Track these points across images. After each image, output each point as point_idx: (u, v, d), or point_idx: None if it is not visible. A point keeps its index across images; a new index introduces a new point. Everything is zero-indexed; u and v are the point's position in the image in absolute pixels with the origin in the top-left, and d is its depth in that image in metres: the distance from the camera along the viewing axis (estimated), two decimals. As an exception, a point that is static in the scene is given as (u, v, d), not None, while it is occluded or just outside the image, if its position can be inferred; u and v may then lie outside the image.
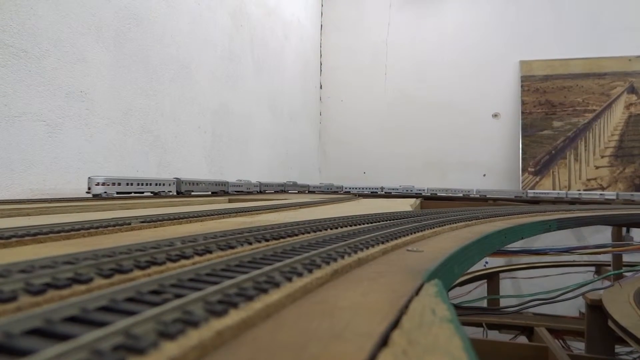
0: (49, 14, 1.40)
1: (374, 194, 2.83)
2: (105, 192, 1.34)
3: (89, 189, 1.32)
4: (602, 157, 3.54)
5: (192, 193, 1.73)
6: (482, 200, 2.74)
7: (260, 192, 2.30)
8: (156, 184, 1.55)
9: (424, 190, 2.85)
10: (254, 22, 2.81)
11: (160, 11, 1.92)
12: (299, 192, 2.77)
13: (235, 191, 2.02)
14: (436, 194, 2.83)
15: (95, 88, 1.59)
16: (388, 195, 2.80)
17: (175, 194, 1.64)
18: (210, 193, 1.86)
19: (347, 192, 2.83)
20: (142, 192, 1.51)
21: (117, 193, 1.38)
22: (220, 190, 1.92)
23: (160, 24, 1.92)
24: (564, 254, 2.34)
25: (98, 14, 1.59)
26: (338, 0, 4.17)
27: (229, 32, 2.52)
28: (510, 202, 2.60)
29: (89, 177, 1.32)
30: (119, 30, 1.69)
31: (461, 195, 2.82)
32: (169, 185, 1.61)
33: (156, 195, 1.56)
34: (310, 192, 2.84)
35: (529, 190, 2.96)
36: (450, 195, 2.81)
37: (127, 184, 1.42)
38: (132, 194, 1.46)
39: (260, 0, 2.89)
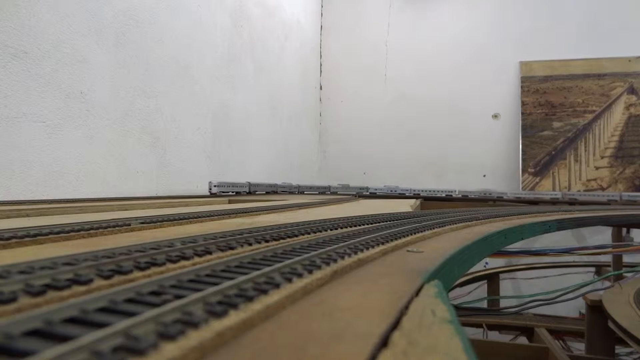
0: (49, 15, 1.40)
1: (448, 198, 2.70)
2: (217, 192, 2.00)
3: (210, 189, 1.99)
4: (602, 157, 3.54)
5: (256, 192, 2.31)
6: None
7: (300, 193, 2.62)
8: (239, 186, 2.17)
9: (490, 193, 2.78)
10: (254, 23, 2.81)
11: (160, 12, 1.92)
12: (357, 195, 2.64)
13: (282, 191, 2.53)
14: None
15: (95, 89, 1.59)
16: (455, 198, 2.69)
17: (247, 192, 2.22)
18: (265, 192, 2.38)
19: (417, 195, 2.69)
20: (235, 192, 2.12)
21: (221, 192, 2.02)
22: (272, 190, 2.44)
23: (160, 24, 1.92)
24: (564, 255, 2.34)
25: (98, 15, 1.59)
26: (338, 1, 4.17)
27: (229, 33, 2.52)
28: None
29: (210, 182, 2.02)
30: (119, 31, 1.69)
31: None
32: (246, 187, 2.22)
33: (237, 194, 2.13)
34: (372, 194, 2.70)
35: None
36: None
37: (226, 186, 2.07)
38: (229, 193, 2.07)
39: (260, 1, 2.89)
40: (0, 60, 1.25)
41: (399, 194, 2.75)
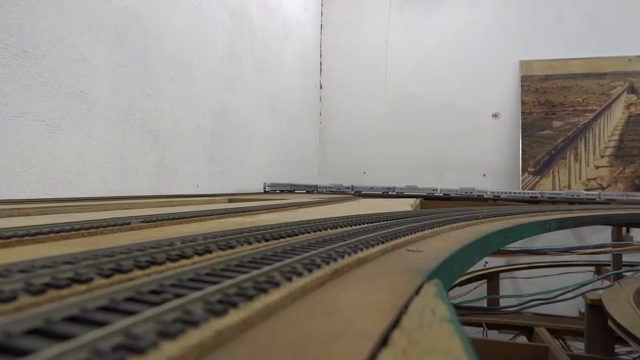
0: (49, 14, 1.39)
1: (533, 199, 2.58)
2: (269, 190, 2.64)
3: (264, 189, 2.66)
4: (602, 157, 3.54)
5: (295, 191, 2.70)
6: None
7: (357, 194, 2.67)
8: (283, 186, 2.69)
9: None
10: (254, 22, 2.81)
11: (160, 11, 1.92)
12: (427, 197, 2.53)
13: (327, 191, 2.77)
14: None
15: (95, 88, 1.59)
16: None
17: (288, 191, 2.67)
18: (305, 192, 2.71)
19: (497, 198, 2.56)
20: (280, 190, 2.67)
21: (271, 190, 2.65)
22: (312, 190, 2.76)
23: (160, 23, 1.92)
24: (563, 254, 2.34)
25: (98, 14, 1.59)
26: (338, 0, 4.17)
27: (229, 32, 2.52)
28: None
29: (264, 182, 2.69)
30: (119, 30, 1.69)
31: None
32: (288, 187, 2.70)
33: (282, 192, 2.64)
34: (445, 195, 2.59)
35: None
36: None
37: (275, 186, 2.66)
38: (276, 191, 2.65)
39: (260, 0, 2.89)
40: (0, 59, 1.25)
41: (478, 196, 2.62)
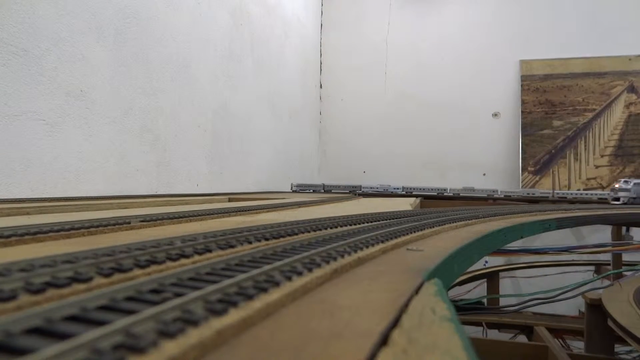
0: (49, 13, 1.39)
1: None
2: (297, 190, 2.67)
3: (292, 188, 2.71)
4: (602, 156, 3.54)
5: (333, 191, 2.72)
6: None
7: (408, 194, 2.64)
8: (314, 186, 2.73)
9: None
10: (254, 21, 2.81)
11: (160, 10, 1.92)
12: (487, 198, 2.50)
13: (375, 192, 2.71)
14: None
15: (95, 87, 1.59)
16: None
17: (322, 191, 2.69)
18: (348, 192, 2.68)
19: (563, 198, 2.55)
20: (311, 190, 2.71)
21: (300, 190, 2.68)
22: (355, 190, 2.73)
23: (160, 23, 1.92)
24: (563, 253, 2.34)
25: (98, 13, 1.59)
26: (338, -1, 4.17)
27: (229, 31, 2.52)
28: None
29: (291, 183, 2.77)
30: (119, 29, 1.69)
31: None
32: (322, 187, 2.75)
33: (314, 192, 2.65)
34: (507, 197, 2.58)
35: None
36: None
37: (303, 186, 2.71)
38: (307, 191, 2.66)
39: (260, -1, 2.89)
40: (1, 58, 1.25)
41: (557, 197, 2.60)
